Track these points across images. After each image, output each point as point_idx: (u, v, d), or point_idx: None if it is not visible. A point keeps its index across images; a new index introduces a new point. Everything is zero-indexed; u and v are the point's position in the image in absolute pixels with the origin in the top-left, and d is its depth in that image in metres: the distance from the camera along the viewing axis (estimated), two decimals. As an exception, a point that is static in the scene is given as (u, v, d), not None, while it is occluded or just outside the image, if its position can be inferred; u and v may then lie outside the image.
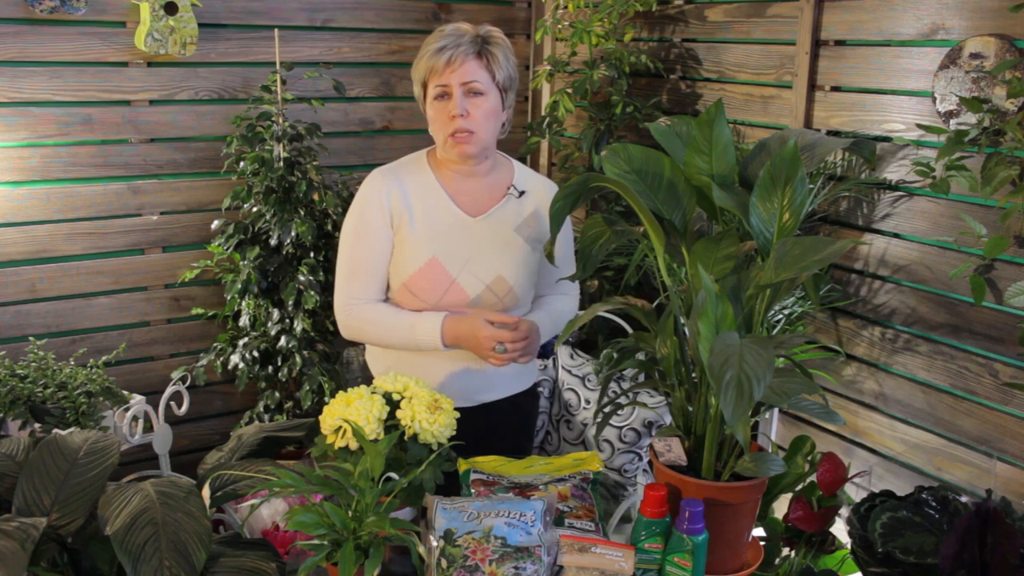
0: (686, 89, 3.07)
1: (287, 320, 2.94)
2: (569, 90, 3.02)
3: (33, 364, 2.47)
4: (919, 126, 2.24)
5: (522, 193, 1.94)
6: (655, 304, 2.83)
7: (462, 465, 1.63)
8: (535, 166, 3.58)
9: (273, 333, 2.94)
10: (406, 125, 3.37)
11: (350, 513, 1.38)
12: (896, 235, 2.43)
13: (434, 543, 1.41)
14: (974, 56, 2.15)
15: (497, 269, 1.89)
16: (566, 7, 3.08)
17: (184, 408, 2.54)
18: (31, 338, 2.62)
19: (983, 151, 2.12)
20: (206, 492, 1.66)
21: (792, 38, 2.64)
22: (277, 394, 3.01)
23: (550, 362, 2.90)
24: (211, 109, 3.03)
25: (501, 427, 2.00)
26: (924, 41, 2.32)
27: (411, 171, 1.93)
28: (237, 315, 3.03)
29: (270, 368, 2.99)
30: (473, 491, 1.57)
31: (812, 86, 2.60)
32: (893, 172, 2.41)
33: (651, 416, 2.56)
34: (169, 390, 2.49)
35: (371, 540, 1.36)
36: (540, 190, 1.97)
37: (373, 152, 3.34)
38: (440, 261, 1.87)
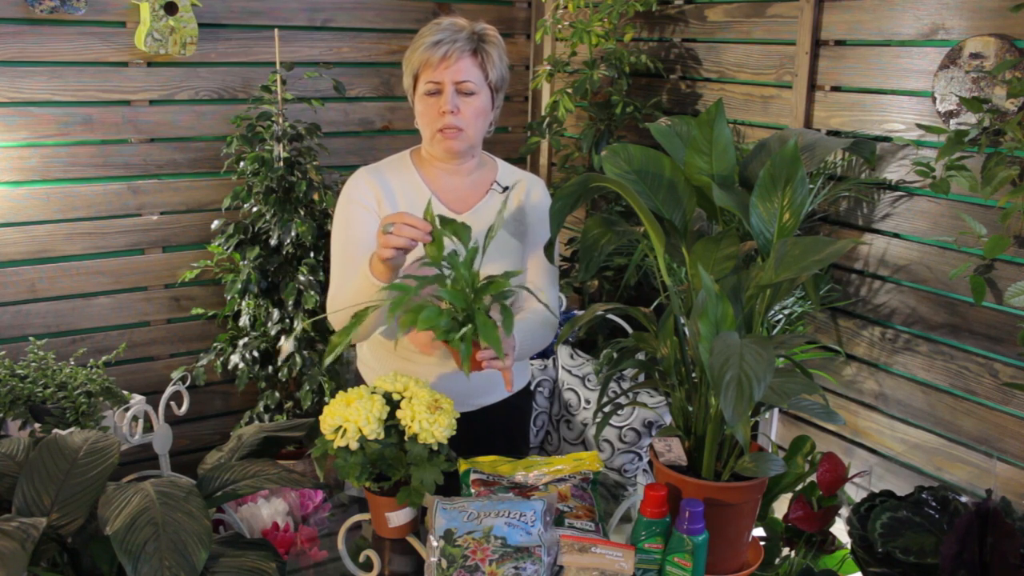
0: (686, 89, 3.07)
1: (287, 320, 2.94)
2: (569, 90, 3.02)
3: (33, 364, 2.46)
4: (919, 126, 2.24)
5: (505, 189, 1.92)
6: (655, 304, 2.85)
7: (462, 465, 1.63)
8: (535, 166, 3.58)
9: (273, 333, 2.94)
10: (406, 125, 3.37)
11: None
12: (896, 235, 2.43)
13: (434, 543, 1.41)
14: (974, 56, 2.15)
15: (484, 265, 1.87)
16: (566, 7, 3.08)
17: (184, 408, 2.53)
18: (31, 338, 2.62)
19: (983, 151, 2.12)
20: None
21: (792, 38, 2.64)
22: (277, 394, 3.01)
23: (550, 362, 2.90)
24: (211, 109, 3.03)
25: (497, 430, 1.99)
26: (924, 41, 2.32)
27: (394, 169, 1.92)
28: (237, 315, 3.03)
29: (270, 368, 2.99)
30: (473, 491, 1.57)
31: (812, 86, 2.60)
32: (893, 172, 2.41)
33: (651, 416, 2.56)
34: (169, 390, 2.48)
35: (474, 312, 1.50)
36: (523, 184, 1.96)
37: (373, 152, 3.34)
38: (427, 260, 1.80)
